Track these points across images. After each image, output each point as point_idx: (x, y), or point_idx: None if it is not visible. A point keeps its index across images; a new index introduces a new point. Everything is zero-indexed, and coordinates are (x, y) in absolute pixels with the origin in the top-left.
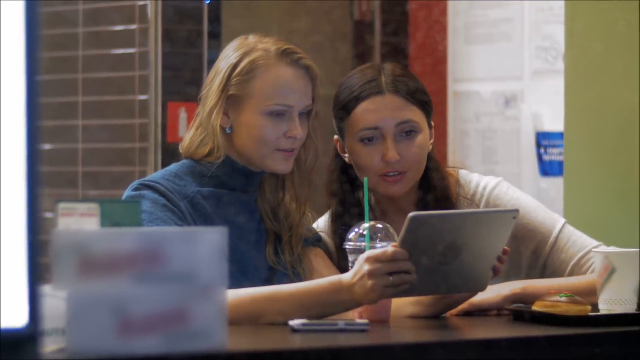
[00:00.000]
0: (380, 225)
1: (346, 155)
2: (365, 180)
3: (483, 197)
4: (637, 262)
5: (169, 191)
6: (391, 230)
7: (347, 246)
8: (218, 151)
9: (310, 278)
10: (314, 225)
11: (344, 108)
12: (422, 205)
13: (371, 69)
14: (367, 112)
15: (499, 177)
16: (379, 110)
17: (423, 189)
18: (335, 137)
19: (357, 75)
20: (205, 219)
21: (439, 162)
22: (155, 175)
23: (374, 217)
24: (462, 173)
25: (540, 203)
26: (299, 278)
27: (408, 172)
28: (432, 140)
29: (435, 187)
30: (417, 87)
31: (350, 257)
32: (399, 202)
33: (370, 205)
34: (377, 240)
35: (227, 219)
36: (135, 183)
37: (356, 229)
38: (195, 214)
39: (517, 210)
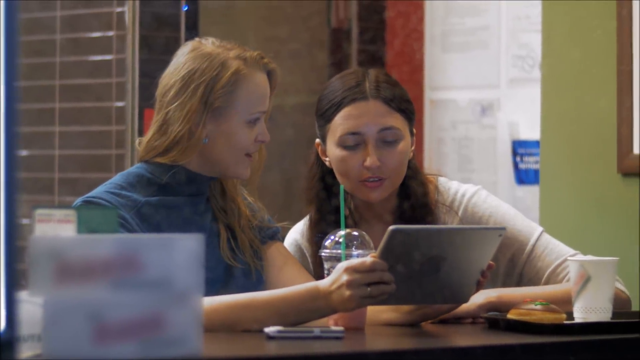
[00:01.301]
0: (356, 233)
1: (327, 159)
2: (341, 187)
3: (461, 204)
4: (612, 271)
5: (113, 205)
6: (367, 237)
7: (323, 254)
8: (183, 157)
9: (269, 272)
10: (291, 230)
11: (326, 112)
12: (400, 212)
13: (355, 74)
14: (349, 117)
15: (477, 186)
16: (361, 116)
17: (402, 196)
18: (317, 140)
19: (340, 80)
20: (154, 229)
21: (419, 169)
22: (98, 190)
23: (352, 223)
24: (442, 180)
25: (518, 212)
26: (258, 273)
27: (388, 179)
28: (413, 148)
29: (414, 194)
30: (400, 94)
31: (326, 265)
32: (377, 208)
33: (349, 210)
34: (353, 248)
35: (178, 226)
36: (78, 201)
37: (332, 237)
38: (144, 224)
39: (503, 228)
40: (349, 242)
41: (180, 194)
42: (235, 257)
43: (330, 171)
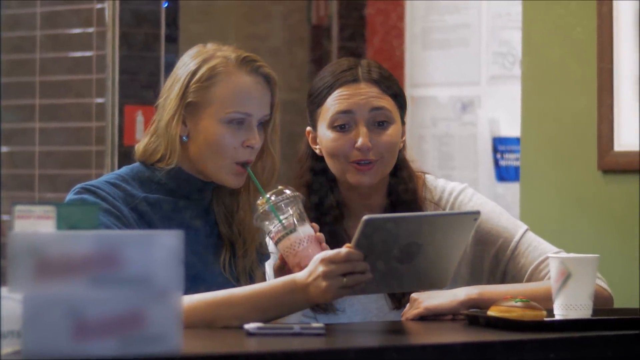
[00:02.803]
0: (288, 191)
1: (317, 147)
2: (247, 168)
3: (448, 202)
4: (592, 268)
5: (111, 196)
6: (289, 192)
7: (256, 215)
8: (170, 158)
9: None
10: None
11: (318, 96)
12: (388, 207)
13: (347, 61)
14: (341, 97)
15: (464, 184)
16: (353, 96)
17: (391, 190)
18: (308, 128)
19: (333, 66)
20: (150, 226)
21: (408, 164)
22: (100, 179)
23: (340, 215)
24: (429, 178)
25: (503, 209)
26: None
27: (378, 162)
28: (404, 138)
29: (405, 188)
30: (392, 79)
31: (259, 224)
32: (366, 201)
33: (336, 202)
34: (283, 205)
35: (175, 225)
36: (77, 187)
37: (261, 197)
38: (140, 220)
39: (478, 212)
40: (278, 201)
41: (179, 195)
42: (230, 271)
43: (320, 159)
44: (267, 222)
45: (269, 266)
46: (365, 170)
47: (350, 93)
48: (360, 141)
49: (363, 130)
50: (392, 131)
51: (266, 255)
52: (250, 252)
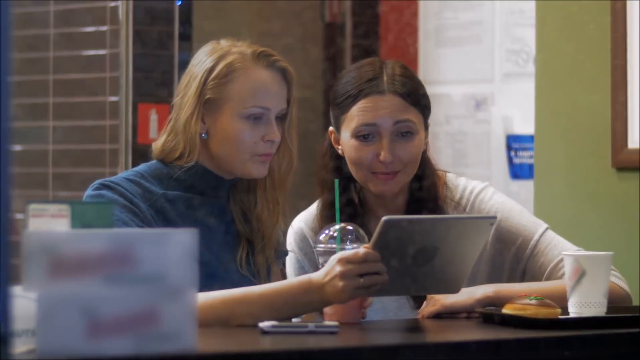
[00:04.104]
0: (350, 228)
1: (339, 147)
2: (336, 182)
3: (469, 201)
4: (607, 265)
5: (130, 192)
6: (361, 232)
7: (317, 248)
8: (190, 156)
9: None
10: (296, 219)
11: (342, 103)
12: (409, 206)
13: (372, 66)
14: (365, 109)
15: (485, 182)
16: (377, 109)
17: (412, 190)
18: (331, 128)
19: (357, 70)
20: (169, 222)
21: (431, 164)
22: (119, 175)
23: (361, 215)
24: (450, 176)
25: (524, 208)
26: None
27: (401, 172)
28: (427, 141)
29: (424, 188)
30: (416, 88)
31: (321, 259)
32: (386, 201)
33: (358, 202)
34: (348, 242)
35: (193, 222)
36: (96, 183)
37: (326, 231)
38: (159, 217)
39: (494, 217)
40: (343, 236)
41: (198, 191)
42: (248, 267)
43: (342, 158)
44: (325, 257)
45: (289, 264)
46: (387, 179)
47: (375, 106)
48: (383, 154)
49: (386, 143)
50: (415, 142)
51: (283, 252)
52: (268, 248)
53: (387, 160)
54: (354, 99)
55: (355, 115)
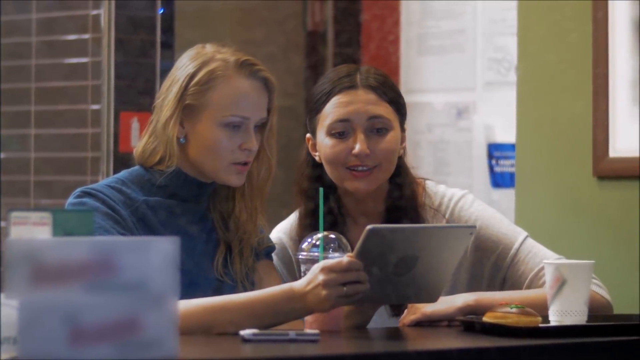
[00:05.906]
0: (333, 236)
1: (317, 154)
2: (321, 190)
3: (448, 208)
4: (587, 274)
5: (112, 200)
6: (344, 240)
7: (300, 256)
8: (170, 160)
9: (257, 289)
10: (275, 229)
11: (317, 102)
12: (388, 213)
13: (347, 67)
14: (339, 104)
15: (464, 190)
16: (351, 104)
17: (390, 196)
18: (308, 135)
19: (332, 73)
20: (150, 229)
21: (409, 170)
22: (100, 183)
23: (341, 222)
24: (429, 184)
25: (504, 216)
26: (247, 291)
27: (376, 169)
28: (404, 145)
29: (404, 194)
30: (391, 86)
31: (303, 267)
32: (365, 207)
33: (337, 209)
34: (330, 251)
35: (174, 229)
36: (77, 190)
37: (309, 239)
38: (140, 223)
39: (474, 227)
40: (326, 244)
41: (179, 197)
42: (226, 272)
43: (320, 166)
44: (307, 265)
45: (276, 256)
46: (363, 176)
47: (348, 100)
48: (357, 148)
49: (360, 137)
50: (390, 138)
51: (271, 247)
52: (246, 253)
53: (361, 154)
54: (328, 95)
55: (329, 112)
